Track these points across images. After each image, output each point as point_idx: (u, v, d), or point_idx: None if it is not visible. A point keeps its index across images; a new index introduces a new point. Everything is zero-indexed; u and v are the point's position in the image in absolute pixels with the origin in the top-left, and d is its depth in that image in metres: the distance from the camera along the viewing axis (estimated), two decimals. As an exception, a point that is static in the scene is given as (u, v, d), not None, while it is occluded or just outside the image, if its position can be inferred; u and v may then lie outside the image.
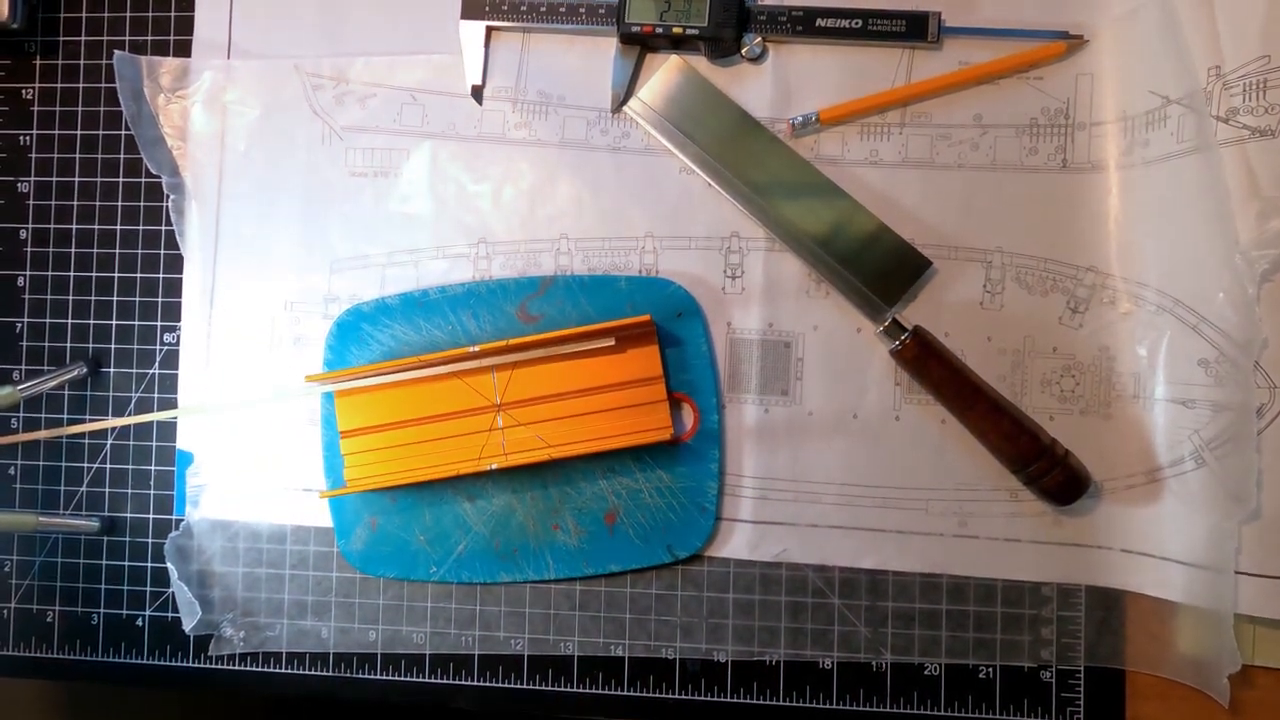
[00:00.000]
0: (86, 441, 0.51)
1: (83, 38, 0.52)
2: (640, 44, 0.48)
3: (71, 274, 0.51)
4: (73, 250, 0.52)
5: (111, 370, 0.51)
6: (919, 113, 0.47)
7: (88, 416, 0.51)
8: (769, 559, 0.47)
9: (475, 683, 0.49)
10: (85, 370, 0.50)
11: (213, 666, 0.50)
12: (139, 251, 0.51)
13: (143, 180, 0.51)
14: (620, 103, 0.48)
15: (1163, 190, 0.44)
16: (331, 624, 0.49)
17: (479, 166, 0.49)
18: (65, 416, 0.51)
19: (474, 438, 0.46)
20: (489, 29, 0.49)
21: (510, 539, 0.48)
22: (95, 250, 0.51)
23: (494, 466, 0.45)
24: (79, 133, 0.52)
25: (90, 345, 0.51)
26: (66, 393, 0.51)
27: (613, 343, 0.45)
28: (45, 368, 0.51)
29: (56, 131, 0.52)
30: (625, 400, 0.46)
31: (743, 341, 0.48)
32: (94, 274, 0.51)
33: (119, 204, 0.51)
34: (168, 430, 0.51)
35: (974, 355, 0.47)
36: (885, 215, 0.47)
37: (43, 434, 0.50)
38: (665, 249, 0.48)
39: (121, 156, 0.51)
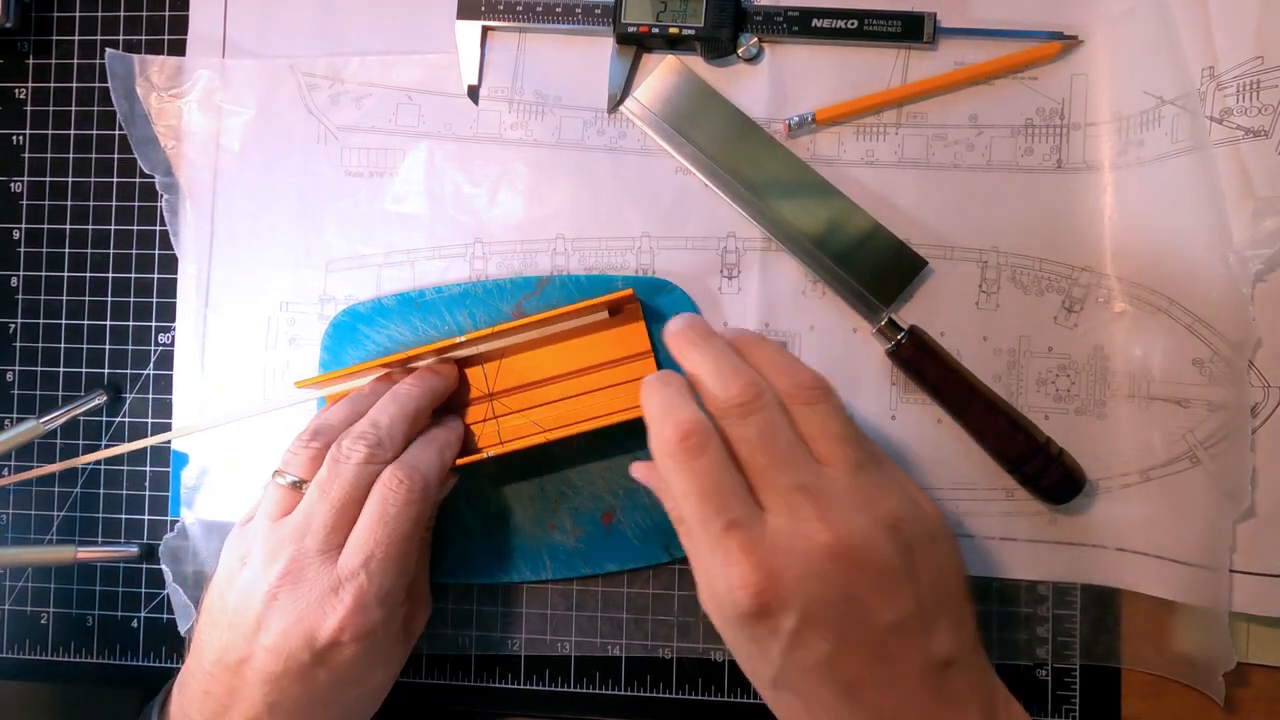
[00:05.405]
0: (80, 442, 0.51)
1: (76, 37, 0.52)
2: (636, 44, 0.48)
3: (65, 274, 0.51)
4: (66, 250, 0.51)
5: (106, 370, 0.51)
6: (915, 113, 0.47)
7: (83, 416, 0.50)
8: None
9: (471, 683, 0.49)
10: (105, 398, 0.50)
11: (208, 668, 0.50)
12: (133, 252, 0.51)
13: (137, 180, 0.51)
14: (616, 103, 0.48)
15: (1157, 190, 0.45)
16: (328, 625, 0.49)
17: (475, 167, 0.49)
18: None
19: (468, 429, 0.46)
20: (485, 29, 0.49)
21: (507, 539, 0.48)
22: (89, 250, 0.51)
23: (489, 454, 0.45)
24: (72, 132, 0.51)
25: (84, 346, 0.51)
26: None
27: (605, 315, 0.45)
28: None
29: (50, 131, 0.52)
30: (617, 378, 0.46)
31: (739, 341, 0.48)
32: (88, 274, 0.51)
33: (113, 204, 0.51)
34: (162, 431, 0.50)
35: (970, 355, 0.47)
36: (881, 215, 0.47)
37: (55, 466, 0.50)
38: (661, 249, 0.48)
39: (115, 156, 0.51)
